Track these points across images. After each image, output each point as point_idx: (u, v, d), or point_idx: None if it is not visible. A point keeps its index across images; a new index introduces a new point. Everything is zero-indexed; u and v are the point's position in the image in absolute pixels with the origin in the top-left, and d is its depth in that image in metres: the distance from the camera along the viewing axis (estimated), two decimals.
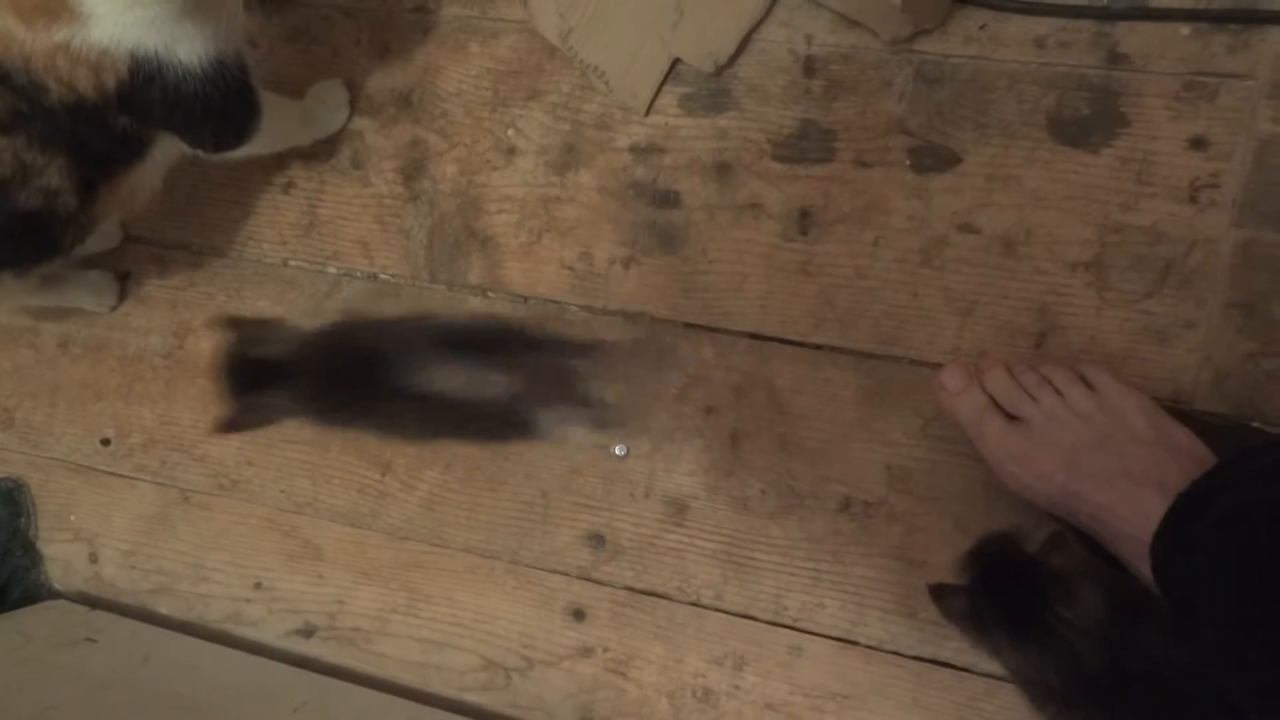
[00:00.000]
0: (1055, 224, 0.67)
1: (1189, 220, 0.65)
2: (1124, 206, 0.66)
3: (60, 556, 0.94)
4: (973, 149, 0.68)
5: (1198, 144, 0.64)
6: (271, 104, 0.70)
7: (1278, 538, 0.45)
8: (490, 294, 0.79)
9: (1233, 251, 0.64)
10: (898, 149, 0.69)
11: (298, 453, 0.85)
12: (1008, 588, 0.55)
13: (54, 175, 0.64)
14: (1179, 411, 0.62)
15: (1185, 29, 0.64)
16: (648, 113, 0.74)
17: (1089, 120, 0.66)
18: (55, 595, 0.94)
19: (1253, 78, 0.63)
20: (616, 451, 0.77)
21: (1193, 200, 0.64)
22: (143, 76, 0.61)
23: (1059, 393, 0.61)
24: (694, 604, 0.76)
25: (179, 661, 0.84)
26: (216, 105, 0.65)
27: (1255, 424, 0.64)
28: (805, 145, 0.71)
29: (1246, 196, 0.63)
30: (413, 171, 0.80)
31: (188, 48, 0.61)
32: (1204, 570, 0.48)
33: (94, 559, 0.92)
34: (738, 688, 0.76)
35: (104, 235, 0.85)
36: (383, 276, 0.82)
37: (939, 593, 0.59)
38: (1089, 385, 0.61)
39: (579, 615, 0.79)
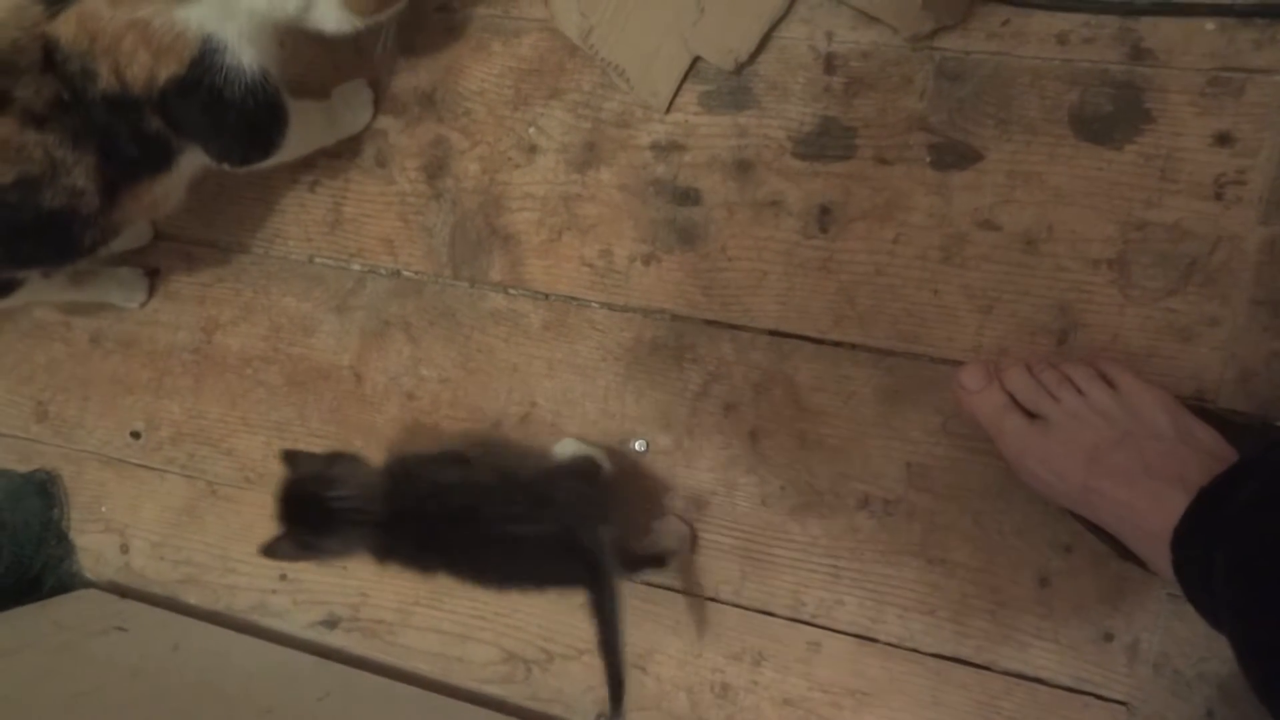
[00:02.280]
0: (1077, 221, 0.66)
1: (1214, 217, 0.64)
2: (1147, 203, 0.65)
3: (92, 547, 0.96)
4: (994, 146, 0.68)
5: (1223, 140, 0.63)
6: (297, 111, 0.71)
7: None
8: (511, 291, 0.80)
9: (1258, 249, 0.63)
10: (918, 146, 0.69)
11: (323, 447, 0.86)
12: (303, 509, 0.67)
13: (81, 175, 0.65)
14: (1202, 410, 0.61)
15: (1210, 24, 0.63)
16: (668, 110, 0.74)
17: (1112, 116, 0.65)
18: (87, 585, 0.96)
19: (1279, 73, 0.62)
20: (636, 447, 0.77)
21: (1218, 197, 0.64)
22: (199, 71, 0.63)
23: (1080, 391, 0.61)
24: (713, 599, 0.76)
25: (207, 650, 0.86)
26: (249, 117, 0.67)
27: (1279, 423, 0.63)
28: (825, 142, 0.71)
29: (1273, 193, 0.63)
30: (436, 170, 0.81)
31: (252, 52, 0.64)
32: (1224, 565, 0.47)
33: (124, 549, 0.94)
34: (756, 683, 0.76)
35: (135, 233, 0.87)
36: (406, 273, 0.83)
37: (271, 551, 0.67)
38: (1110, 383, 0.61)
39: None
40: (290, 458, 0.70)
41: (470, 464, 0.69)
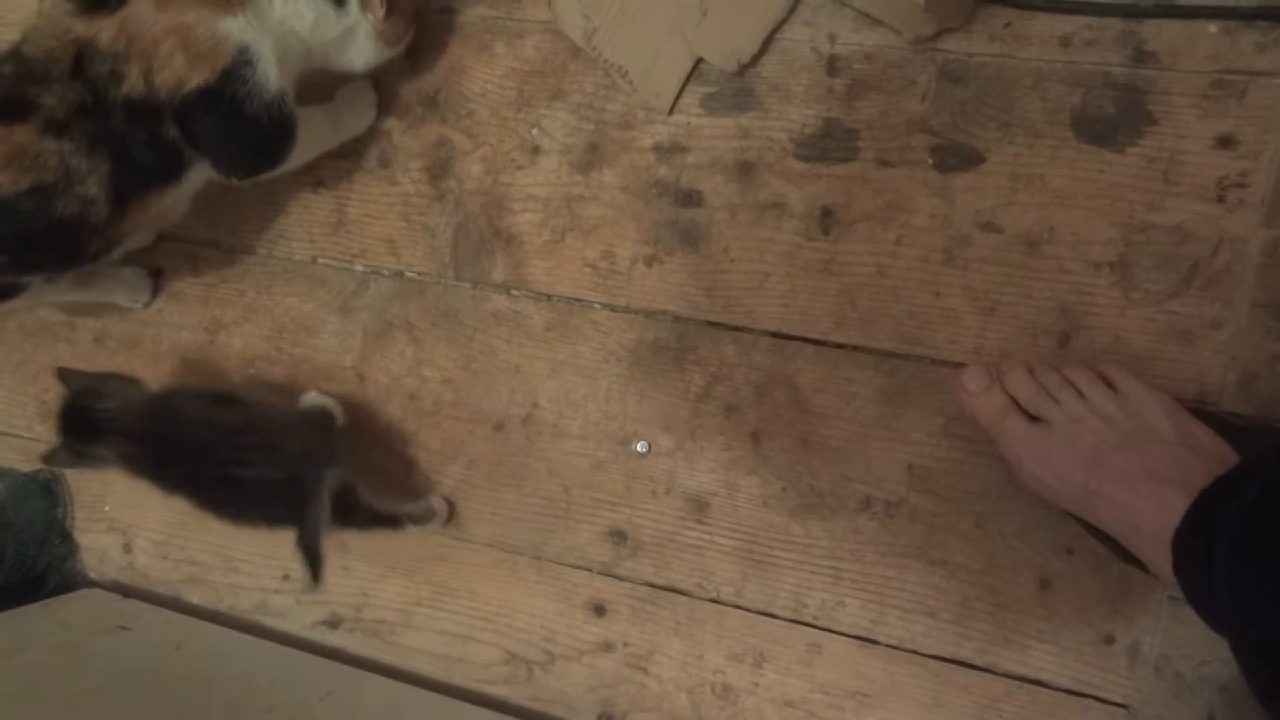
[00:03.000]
0: (1079, 223, 0.66)
1: (1216, 220, 0.64)
2: (1150, 206, 0.65)
3: (95, 546, 0.96)
4: (996, 148, 0.68)
5: (1226, 143, 0.63)
6: (303, 118, 0.72)
7: None
8: (514, 292, 0.80)
9: (1261, 251, 0.63)
10: (920, 148, 0.69)
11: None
12: (73, 420, 0.75)
13: (94, 184, 0.65)
14: (1204, 412, 0.61)
15: (1213, 26, 0.63)
16: (671, 112, 0.74)
17: (1114, 119, 0.65)
18: (91, 584, 0.96)
19: None
20: (638, 449, 0.77)
21: (1220, 200, 0.64)
22: (227, 81, 0.64)
23: (1081, 394, 0.61)
24: (714, 601, 0.77)
25: (210, 649, 0.86)
26: (262, 133, 0.68)
27: None
28: (828, 144, 0.71)
29: (1275, 196, 0.63)
30: (439, 171, 0.81)
31: (279, 71, 0.66)
32: (1224, 566, 0.47)
33: (128, 549, 0.95)
34: (757, 685, 0.76)
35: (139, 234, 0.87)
36: (409, 274, 0.83)
37: (49, 459, 0.76)
38: (1111, 386, 0.61)
39: (600, 610, 0.80)
40: (64, 374, 0.77)
41: (235, 404, 0.76)
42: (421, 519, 0.80)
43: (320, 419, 0.79)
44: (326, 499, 0.73)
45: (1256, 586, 0.46)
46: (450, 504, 0.82)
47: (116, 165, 0.66)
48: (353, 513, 0.77)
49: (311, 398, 0.82)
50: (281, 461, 0.73)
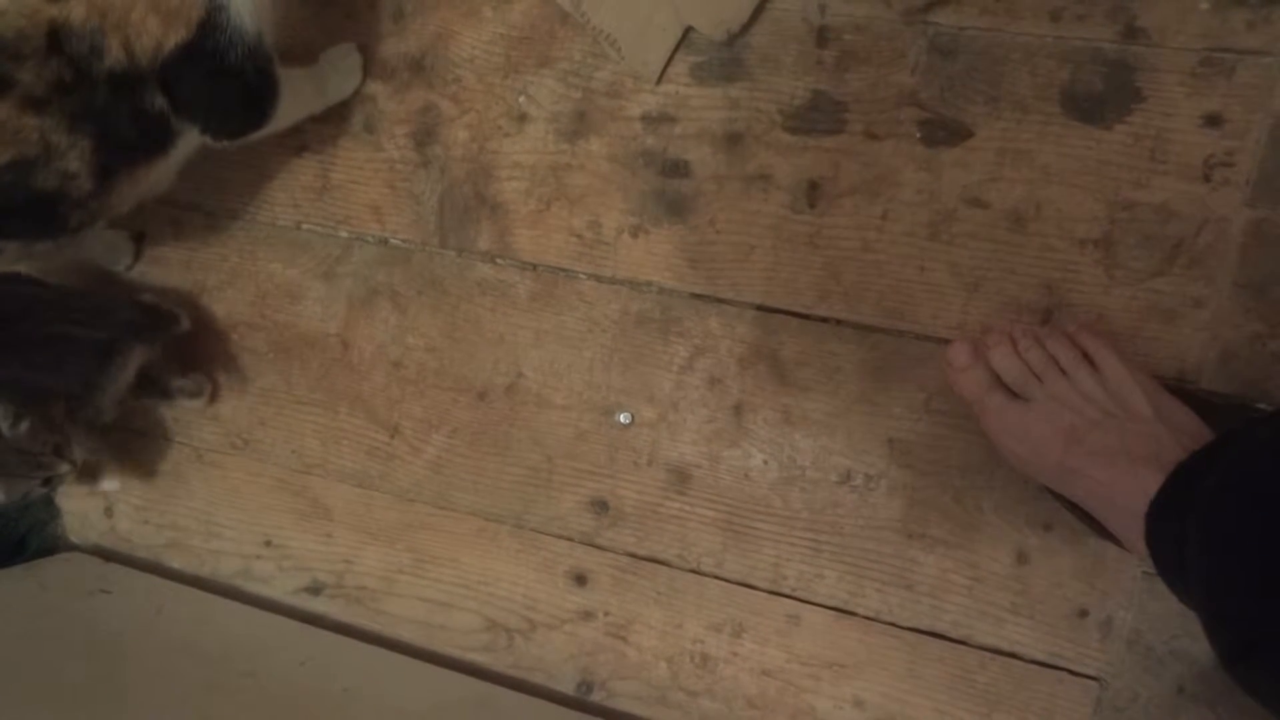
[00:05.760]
0: (1065, 200, 0.66)
1: (1201, 198, 0.64)
2: (1135, 184, 0.65)
3: (77, 510, 0.96)
4: (984, 123, 0.67)
5: (1213, 121, 0.63)
6: (286, 79, 0.71)
7: (1269, 507, 0.45)
8: (499, 261, 0.80)
9: (1244, 231, 0.63)
10: (909, 121, 0.69)
11: (308, 414, 0.86)
12: None
13: (75, 159, 0.65)
14: (1184, 390, 0.62)
15: (1205, 3, 0.63)
16: (659, 81, 0.74)
17: (1103, 95, 0.65)
18: (72, 548, 0.96)
19: (1271, 54, 0.62)
20: (621, 420, 0.77)
21: (1206, 178, 0.64)
22: (205, 33, 0.63)
23: (1064, 373, 0.61)
24: (694, 571, 0.77)
25: (191, 614, 0.87)
26: (248, 84, 0.67)
27: (1260, 405, 0.64)
28: (816, 116, 0.71)
29: (1261, 175, 0.63)
30: (424, 137, 0.80)
31: (253, 12, 0.64)
32: (1196, 538, 0.48)
33: (109, 513, 0.94)
34: (735, 654, 0.77)
35: None
36: (393, 241, 0.83)
37: None
38: (1092, 363, 0.61)
39: (581, 580, 0.80)
40: None
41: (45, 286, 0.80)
42: (194, 392, 0.87)
43: (165, 315, 0.85)
44: (132, 360, 0.79)
45: (1225, 558, 0.46)
46: (214, 383, 0.89)
47: (100, 141, 0.65)
48: (142, 388, 0.84)
49: (149, 297, 0.88)
50: (108, 325, 0.78)
